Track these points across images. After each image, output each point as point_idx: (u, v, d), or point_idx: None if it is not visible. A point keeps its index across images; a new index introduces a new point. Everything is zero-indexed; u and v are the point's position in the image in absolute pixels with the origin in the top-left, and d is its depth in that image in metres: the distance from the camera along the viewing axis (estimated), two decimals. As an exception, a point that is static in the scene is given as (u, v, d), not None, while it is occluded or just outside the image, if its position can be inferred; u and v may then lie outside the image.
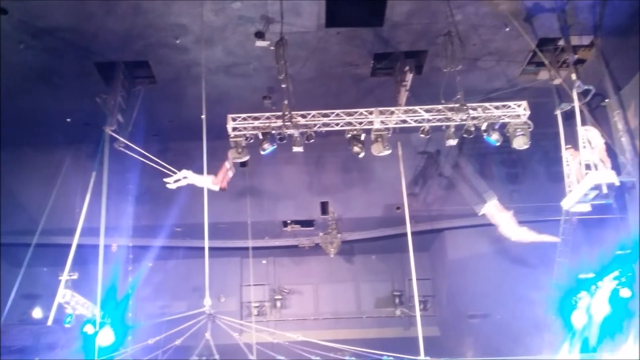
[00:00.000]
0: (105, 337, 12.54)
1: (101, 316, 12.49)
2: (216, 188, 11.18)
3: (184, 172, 10.70)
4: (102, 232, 12.26)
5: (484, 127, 12.07)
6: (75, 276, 12.39)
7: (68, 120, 14.44)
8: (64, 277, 12.08)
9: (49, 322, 12.34)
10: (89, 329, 12.51)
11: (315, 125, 12.18)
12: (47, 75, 12.82)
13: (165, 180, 10.77)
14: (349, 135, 12.35)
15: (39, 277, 16.07)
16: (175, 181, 10.92)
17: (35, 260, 14.59)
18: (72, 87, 13.19)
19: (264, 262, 19.22)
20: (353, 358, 12.02)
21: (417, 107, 12.18)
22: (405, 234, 13.89)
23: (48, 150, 15.47)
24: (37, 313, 16.33)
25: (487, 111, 12.12)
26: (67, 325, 12.27)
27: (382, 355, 11.69)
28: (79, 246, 12.22)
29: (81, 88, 13.14)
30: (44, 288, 16.12)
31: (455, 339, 17.56)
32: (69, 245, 12.28)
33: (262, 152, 12.16)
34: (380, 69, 13.28)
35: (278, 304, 18.92)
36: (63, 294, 12.01)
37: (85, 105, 13.31)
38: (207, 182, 10.82)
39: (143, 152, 11.52)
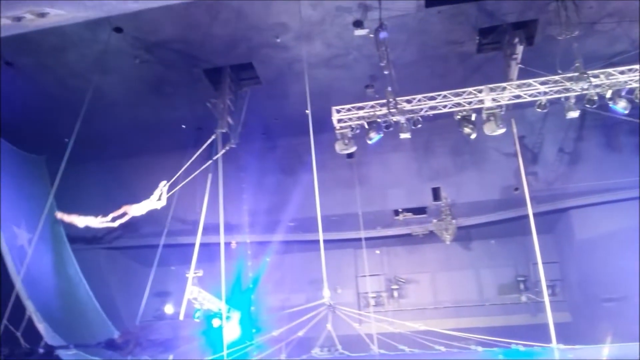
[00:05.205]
0: (232, 331, 13.16)
1: (227, 310, 13.09)
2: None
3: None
4: (221, 231, 12.80)
5: (608, 95, 11.24)
6: (200, 273, 13.12)
7: (183, 126, 15.23)
8: (190, 274, 12.80)
9: (181, 317, 13.14)
10: (215, 322, 13.19)
11: (421, 109, 11.91)
12: (161, 85, 13.62)
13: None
14: (459, 117, 12.02)
15: (168, 276, 17.18)
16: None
17: (164, 260, 15.55)
18: (184, 94, 13.92)
19: (378, 252, 19.12)
20: (479, 347, 11.65)
21: (531, 80, 11.64)
22: (526, 216, 13.19)
23: (166, 156, 16.41)
24: (169, 309, 17.49)
25: (610, 77, 11.37)
26: (196, 320, 13.01)
27: (511, 343, 11.25)
28: (201, 245, 12.86)
29: (192, 95, 13.85)
30: (173, 285, 17.26)
31: (590, 325, 16.36)
32: (192, 245, 12.97)
33: (369, 142, 12.12)
34: (486, 45, 12.65)
35: (395, 293, 18.73)
36: (191, 291, 12.73)
37: (196, 111, 14.01)
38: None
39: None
